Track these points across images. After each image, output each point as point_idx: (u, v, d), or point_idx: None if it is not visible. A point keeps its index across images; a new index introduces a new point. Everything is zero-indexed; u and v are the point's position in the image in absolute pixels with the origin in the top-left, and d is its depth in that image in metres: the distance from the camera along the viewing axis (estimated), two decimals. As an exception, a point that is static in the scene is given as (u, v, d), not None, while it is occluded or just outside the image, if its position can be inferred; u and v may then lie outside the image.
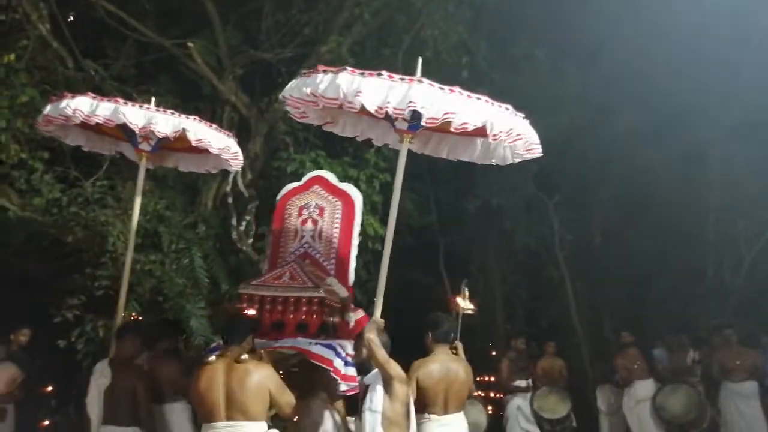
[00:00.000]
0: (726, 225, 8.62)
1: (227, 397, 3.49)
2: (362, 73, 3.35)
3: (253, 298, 4.12)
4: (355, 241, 4.63)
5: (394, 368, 3.47)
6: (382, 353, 3.45)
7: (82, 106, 4.05)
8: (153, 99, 4.55)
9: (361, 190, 6.89)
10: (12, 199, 6.74)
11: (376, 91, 3.29)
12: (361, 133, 4.36)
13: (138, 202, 4.79)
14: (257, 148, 7.72)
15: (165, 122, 4.14)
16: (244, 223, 7.57)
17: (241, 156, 4.87)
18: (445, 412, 3.92)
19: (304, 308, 4.06)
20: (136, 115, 4.08)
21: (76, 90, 7.00)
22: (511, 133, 3.50)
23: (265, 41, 8.00)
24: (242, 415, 3.48)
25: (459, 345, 4.39)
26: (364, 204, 7.04)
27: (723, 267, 8.65)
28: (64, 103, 4.10)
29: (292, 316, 4.06)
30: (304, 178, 5.06)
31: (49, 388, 6.92)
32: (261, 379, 3.53)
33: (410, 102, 3.24)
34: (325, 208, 4.71)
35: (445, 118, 3.32)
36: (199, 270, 7.04)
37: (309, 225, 4.65)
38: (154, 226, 6.92)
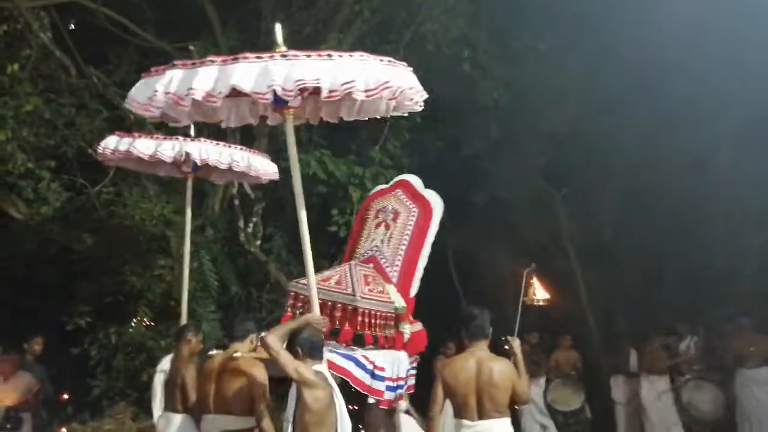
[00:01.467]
0: (736, 213, 8.53)
1: (216, 391, 3.66)
2: (224, 60, 3.06)
3: (298, 297, 4.07)
4: (426, 250, 4.48)
5: (301, 372, 3.06)
6: (284, 356, 3.08)
7: (144, 147, 4.60)
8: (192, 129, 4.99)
9: (366, 189, 6.95)
10: (19, 208, 6.78)
11: (242, 76, 2.97)
12: (242, 118, 4.01)
13: (188, 216, 5.32)
14: (262, 148, 7.66)
15: (218, 154, 4.74)
16: (251, 225, 7.57)
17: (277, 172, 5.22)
18: (480, 417, 3.50)
19: (338, 314, 3.95)
20: (195, 149, 4.66)
21: (80, 97, 7.10)
22: (386, 87, 3.12)
23: (266, 41, 7.98)
24: (226, 409, 3.62)
25: (514, 342, 3.90)
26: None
27: (734, 255, 8.56)
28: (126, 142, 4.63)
29: (327, 320, 3.80)
30: (392, 181, 5.05)
31: (65, 396, 6.95)
32: (244, 378, 3.60)
33: (272, 81, 2.93)
34: (400, 214, 4.61)
35: (315, 83, 3.01)
36: (208, 273, 7.06)
37: (381, 229, 4.56)
38: (161, 230, 6.93)
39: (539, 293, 4.14)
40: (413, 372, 4.38)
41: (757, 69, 7.17)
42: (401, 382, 4.12)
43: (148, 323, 7.21)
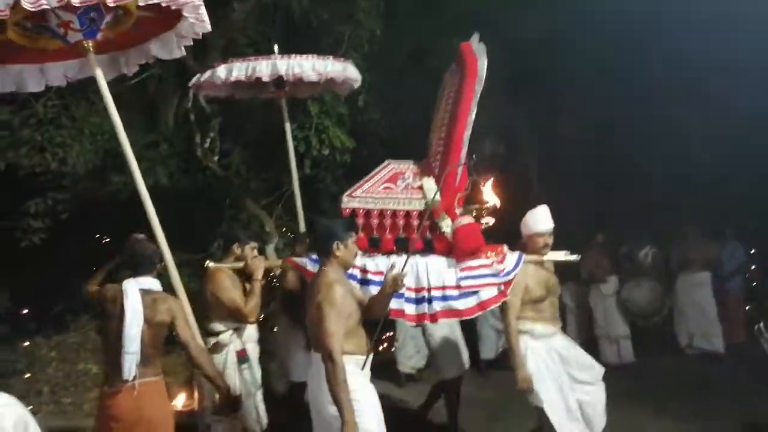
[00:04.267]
0: (686, 128, 8.79)
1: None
2: None
3: (358, 212, 3.76)
4: (467, 129, 3.54)
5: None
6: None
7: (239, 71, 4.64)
8: None
9: (325, 102, 6.83)
10: (-41, 123, 6.45)
11: None
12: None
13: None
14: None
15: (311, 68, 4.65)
16: (208, 140, 7.40)
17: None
18: None
19: (375, 221, 3.73)
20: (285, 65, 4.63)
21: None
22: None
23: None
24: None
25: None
26: (330, 115, 6.96)
27: (684, 167, 8.86)
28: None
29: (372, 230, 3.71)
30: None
31: (25, 311, 6.96)
32: (208, 286, 4.07)
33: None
34: (446, 86, 3.97)
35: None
36: (166, 191, 6.95)
37: (441, 111, 3.93)
38: (114, 145, 6.72)
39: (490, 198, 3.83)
40: (493, 278, 3.60)
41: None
42: (435, 293, 3.55)
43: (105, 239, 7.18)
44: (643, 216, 8.57)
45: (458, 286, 3.55)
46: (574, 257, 3.97)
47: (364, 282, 3.58)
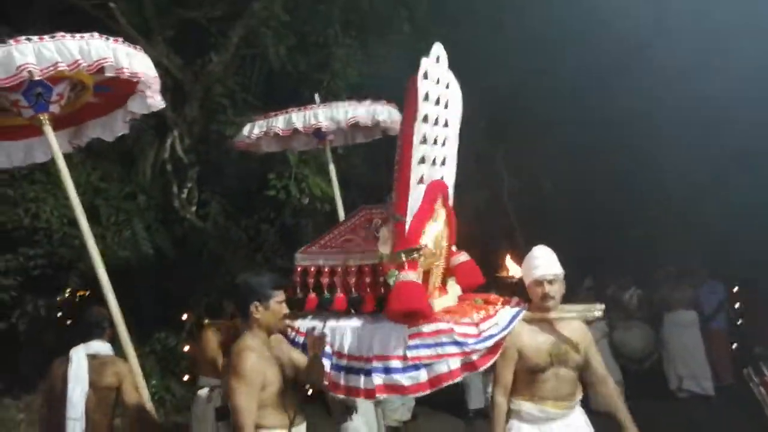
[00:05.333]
0: (664, 168, 8.93)
1: None
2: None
3: (308, 270, 3.36)
4: (412, 173, 2.97)
5: None
6: None
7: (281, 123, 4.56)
8: None
9: (304, 151, 6.83)
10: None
11: None
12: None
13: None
14: (194, 111, 7.43)
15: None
16: (186, 191, 7.34)
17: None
18: None
19: (326, 280, 3.27)
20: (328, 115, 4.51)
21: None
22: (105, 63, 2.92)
23: (194, 0, 7.60)
24: None
25: None
26: (308, 164, 6.94)
27: (662, 209, 8.98)
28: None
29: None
30: None
31: (-9, 373, 6.67)
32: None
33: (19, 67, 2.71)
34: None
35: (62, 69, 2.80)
36: (142, 242, 6.84)
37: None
38: (90, 199, 6.62)
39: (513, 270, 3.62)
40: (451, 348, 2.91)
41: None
42: (376, 363, 2.92)
43: (80, 294, 6.97)
44: (626, 257, 8.62)
45: (404, 357, 2.89)
46: (595, 313, 3.19)
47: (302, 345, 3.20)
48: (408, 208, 2.96)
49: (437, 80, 3.19)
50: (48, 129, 3.13)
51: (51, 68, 2.78)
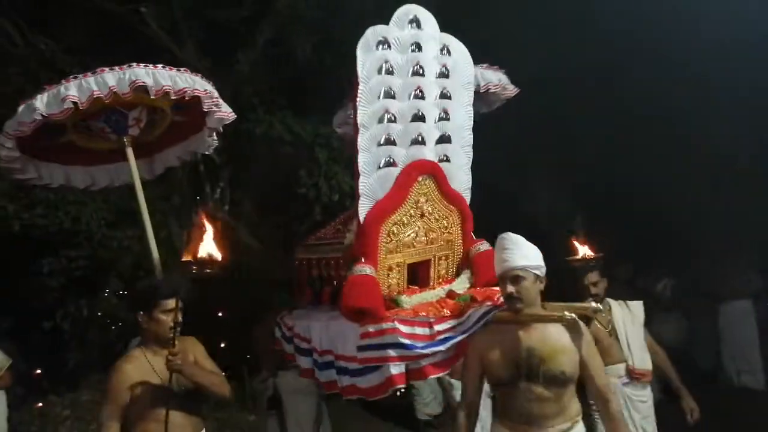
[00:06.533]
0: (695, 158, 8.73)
1: None
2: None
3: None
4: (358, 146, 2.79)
5: None
6: None
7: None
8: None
9: (333, 148, 6.87)
10: (-24, 184, 6.55)
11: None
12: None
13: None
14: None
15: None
16: (218, 191, 7.47)
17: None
18: None
19: (315, 272, 3.10)
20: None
21: (29, 66, 6.79)
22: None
23: (222, 1, 7.70)
24: None
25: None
26: (338, 162, 6.98)
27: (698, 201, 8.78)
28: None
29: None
30: None
31: (38, 372, 6.90)
32: None
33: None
34: None
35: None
36: (177, 241, 6.98)
37: None
38: (127, 201, 6.79)
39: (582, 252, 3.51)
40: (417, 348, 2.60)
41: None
42: (342, 363, 2.75)
43: (119, 294, 7.16)
44: (657, 245, 8.45)
45: (355, 358, 2.66)
46: (573, 315, 2.58)
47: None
48: (362, 194, 2.74)
49: (413, 47, 2.90)
50: (129, 151, 3.38)
51: (94, 95, 2.98)
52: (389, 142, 2.83)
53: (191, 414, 2.83)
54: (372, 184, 2.78)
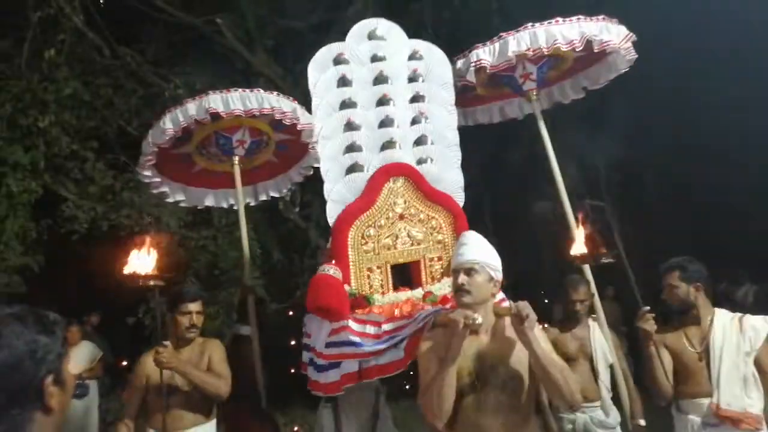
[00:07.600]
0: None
1: None
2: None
3: None
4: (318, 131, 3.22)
5: None
6: None
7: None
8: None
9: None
10: (69, 188, 7.06)
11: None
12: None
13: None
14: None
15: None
16: (289, 193, 7.69)
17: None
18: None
19: None
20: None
21: (115, 77, 7.26)
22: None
23: (292, 9, 7.95)
24: None
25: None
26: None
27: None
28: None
29: None
30: None
31: (124, 363, 7.33)
32: None
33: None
34: None
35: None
36: (250, 242, 7.23)
37: None
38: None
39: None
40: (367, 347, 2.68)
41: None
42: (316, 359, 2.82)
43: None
44: (746, 252, 8.03)
45: (323, 354, 2.77)
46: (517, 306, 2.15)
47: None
48: (330, 200, 3.05)
49: (373, 58, 3.21)
50: (236, 168, 3.63)
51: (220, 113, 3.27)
52: (354, 148, 3.10)
53: (192, 410, 3.00)
54: (340, 190, 3.04)
